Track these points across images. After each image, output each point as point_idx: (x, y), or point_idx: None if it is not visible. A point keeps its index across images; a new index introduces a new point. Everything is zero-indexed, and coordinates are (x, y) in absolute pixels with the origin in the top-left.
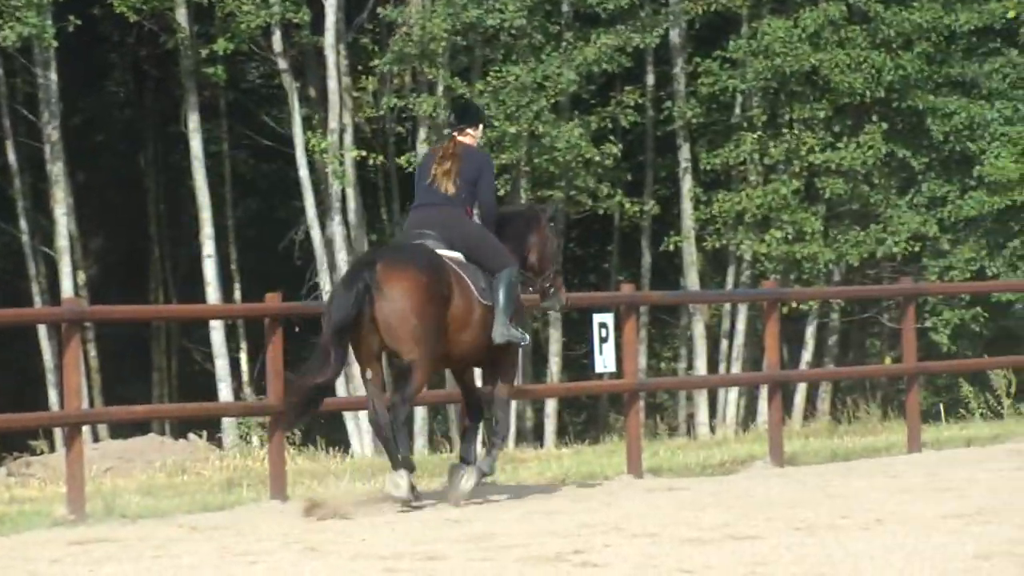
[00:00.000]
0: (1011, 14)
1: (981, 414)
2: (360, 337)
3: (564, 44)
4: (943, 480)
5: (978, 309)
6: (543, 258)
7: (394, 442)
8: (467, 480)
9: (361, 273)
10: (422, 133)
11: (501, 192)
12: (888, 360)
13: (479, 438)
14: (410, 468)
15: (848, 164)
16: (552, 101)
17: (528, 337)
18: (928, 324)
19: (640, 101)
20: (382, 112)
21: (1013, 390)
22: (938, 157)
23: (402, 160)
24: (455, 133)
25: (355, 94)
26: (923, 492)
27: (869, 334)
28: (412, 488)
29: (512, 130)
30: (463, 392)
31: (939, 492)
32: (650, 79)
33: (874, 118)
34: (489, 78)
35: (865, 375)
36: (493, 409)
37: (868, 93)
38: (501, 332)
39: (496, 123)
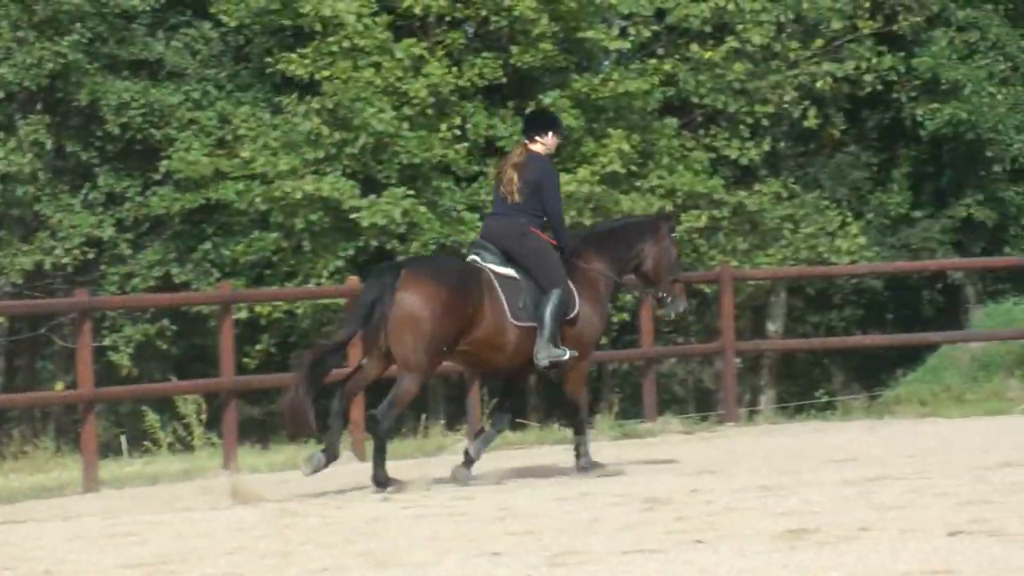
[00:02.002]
0: None
1: (170, 446)
2: (372, 332)
3: None
4: (123, 524)
5: (166, 322)
6: (659, 267)
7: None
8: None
9: (383, 277)
10: None
11: None
12: (60, 386)
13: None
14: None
15: (3, 167)
16: None
17: (574, 352)
18: (108, 342)
19: None
20: None
21: (205, 418)
22: (115, 149)
23: None
24: (526, 141)
25: None
26: (100, 538)
27: (41, 356)
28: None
29: None
30: (500, 395)
31: (118, 538)
32: None
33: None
34: None
35: (35, 403)
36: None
37: (25, 83)
38: (544, 354)
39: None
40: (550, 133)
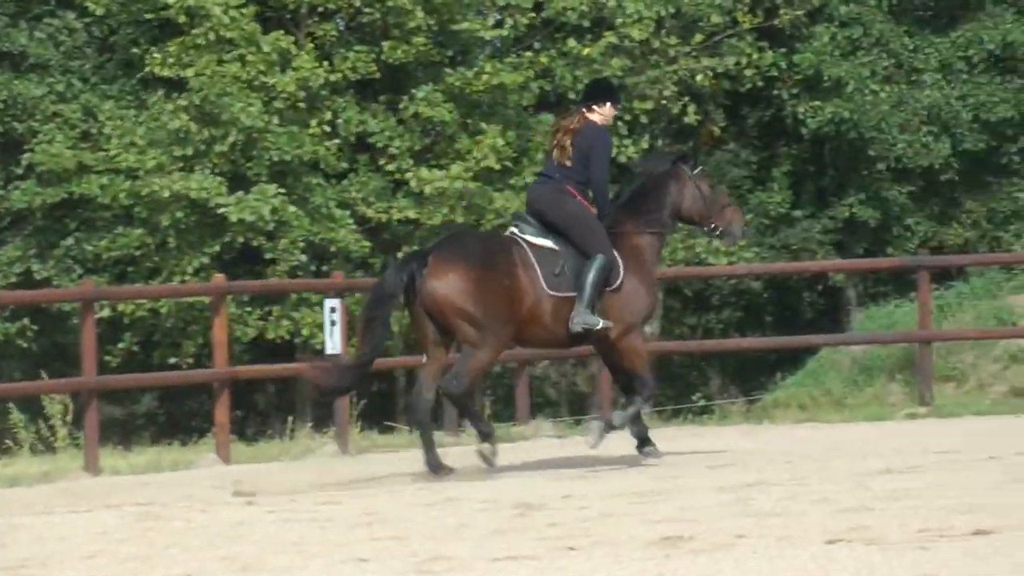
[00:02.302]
0: None
1: (32, 447)
2: (414, 323)
3: None
4: None
5: (26, 321)
6: (695, 207)
7: (426, 430)
8: (595, 431)
9: (409, 264)
10: None
11: None
12: None
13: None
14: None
15: None
16: None
17: (608, 323)
18: None
19: None
20: None
21: (70, 417)
22: None
23: None
24: (583, 109)
25: None
26: None
27: None
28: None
29: None
30: (619, 385)
31: None
32: None
33: None
34: None
35: None
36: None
37: None
38: (577, 320)
39: None
40: (608, 103)
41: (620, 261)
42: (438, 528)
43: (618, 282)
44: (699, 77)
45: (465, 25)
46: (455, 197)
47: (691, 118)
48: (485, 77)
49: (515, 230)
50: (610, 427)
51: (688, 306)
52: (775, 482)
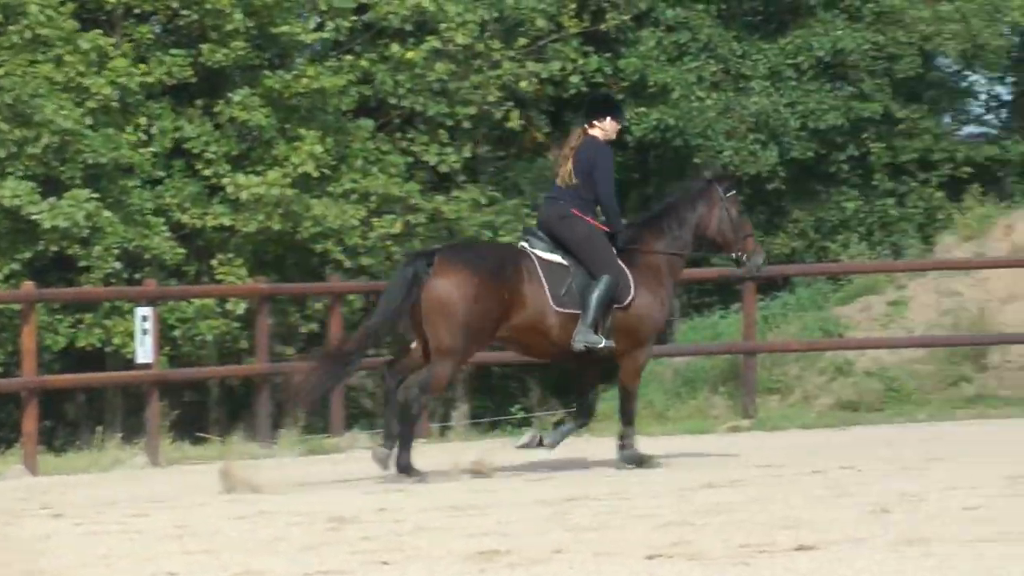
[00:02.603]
0: None
1: None
2: (413, 322)
3: None
4: None
5: None
6: (722, 231)
7: (409, 429)
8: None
9: (416, 261)
10: None
11: None
12: None
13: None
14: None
15: None
16: None
17: (610, 343)
18: None
19: None
20: None
21: None
22: None
23: None
24: (585, 126)
25: None
26: None
27: None
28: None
29: None
30: (576, 391)
31: None
32: None
33: None
34: None
35: None
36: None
37: None
38: (579, 339)
39: None
40: (608, 118)
41: (631, 278)
42: (250, 541)
43: (629, 299)
44: (523, 83)
45: (285, 28)
46: (272, 204)
47: (514, 123)
48: (305, 81)
49: (525, 244)
50: (539, 444)
51: None
52: (595, 496)
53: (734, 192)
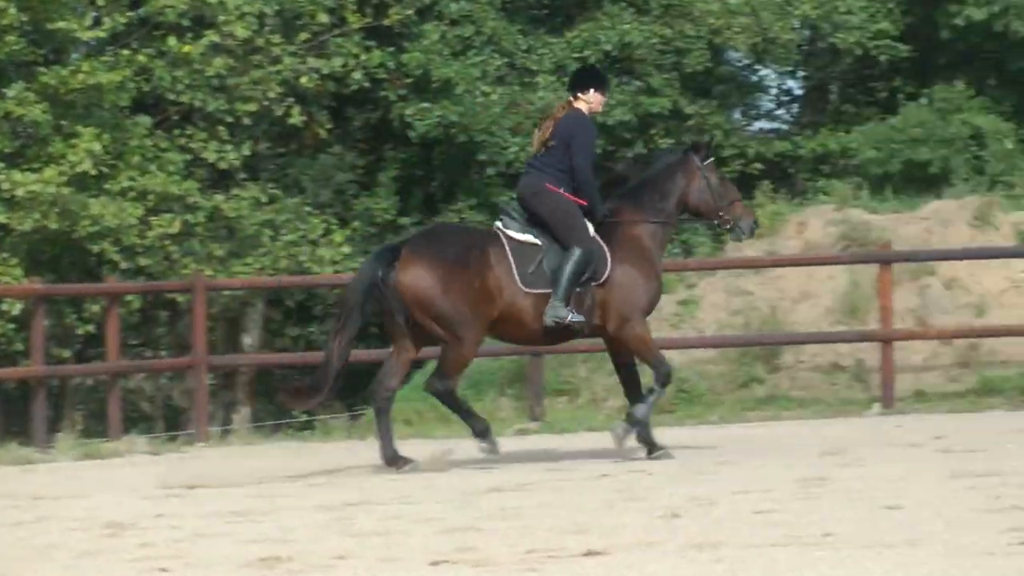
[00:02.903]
0: None
1: None
2: (385, 315)
3: None
4: None
5: None
6: (703, 201)
7: (384, 420)
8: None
9: (383, 256)
10: None
11: None
12: None
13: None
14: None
15: None
16: None
17: (579, 316)
18: None
19: None
20: None
21: None
22: None
23: None
24: (570, 98)
25: None
26: None
27: None
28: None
29: None
30: (616, 371)
31: None
32: None
33: None
34: None
35: None
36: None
37: None
38: (549, 313)
39: None
40: (591, 90)
41: (608, 252)
42: (25, 549)
43: (606, 274)
44: (304, 79)
45: (61, 24)
46: (48, 202)
47: (295, 119)
48: (81, 76)
49: (499, 224)
50: (634, 422)
51: (291, 317)
52: (378, 501)
53: (712, 160)
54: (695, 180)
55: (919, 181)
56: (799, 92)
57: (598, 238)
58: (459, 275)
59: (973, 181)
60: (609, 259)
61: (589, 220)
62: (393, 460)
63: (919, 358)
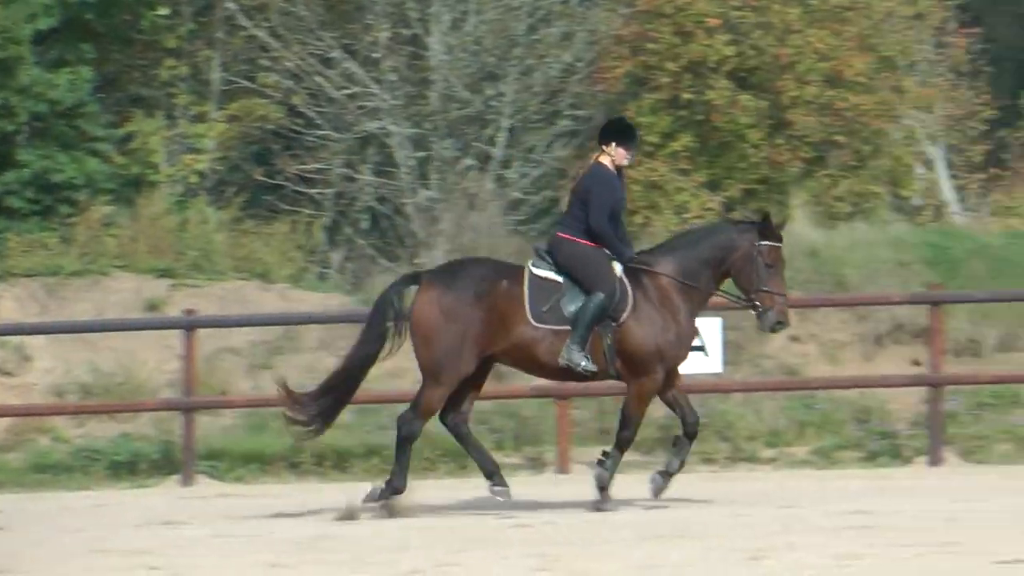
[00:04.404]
0: None
1: None
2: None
3: None
4: None
5: None
6: (741, 276)
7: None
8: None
9: (406, 281)
10: None
11: None
12: None
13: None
14: (393, 491)
15: None
16: None
17: (592, 367)
18: None
19: None
20: None
21: None
22: None
23: None
24: (598, 153)
25: None
26: None
27: None
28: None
29: None
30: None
31: None
32: None
33: None
34: None
35: None
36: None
37: None
38: (564, 355)
39: None
40: (613, 143)
41: (632, 295)
42: None
43: (625, 316)
44: None
45: None
46: None
47: None
48: None
49: (530, 262)
50: (667, 475)
51: None
52: None
53: (774, 243)
54: (742, 254)
55: None
56: None
57: (624, 279)
58: (466, 305)
59: None
60: (631, 302)
61: (618, 262)
62: (393, 492)
63: None
